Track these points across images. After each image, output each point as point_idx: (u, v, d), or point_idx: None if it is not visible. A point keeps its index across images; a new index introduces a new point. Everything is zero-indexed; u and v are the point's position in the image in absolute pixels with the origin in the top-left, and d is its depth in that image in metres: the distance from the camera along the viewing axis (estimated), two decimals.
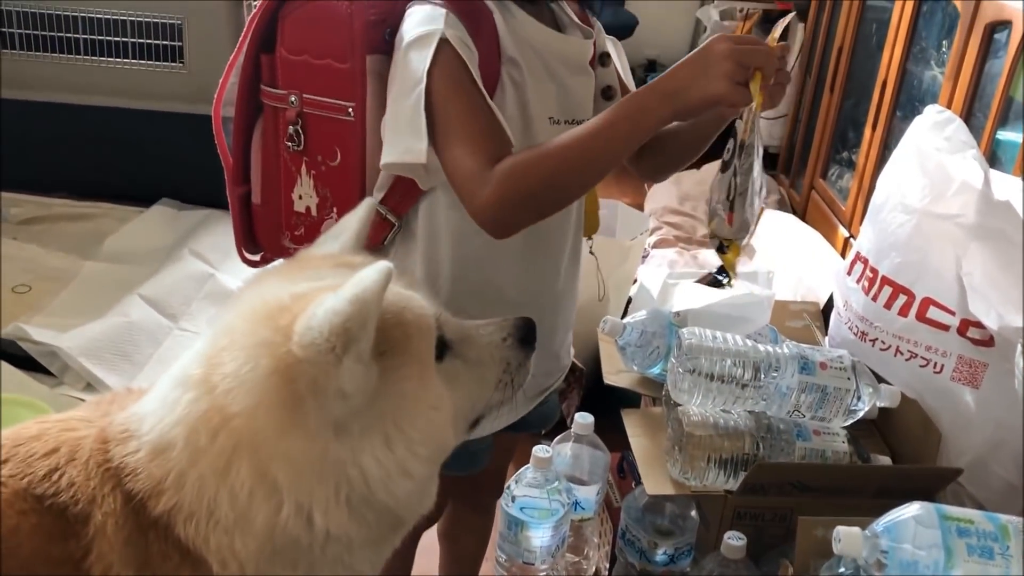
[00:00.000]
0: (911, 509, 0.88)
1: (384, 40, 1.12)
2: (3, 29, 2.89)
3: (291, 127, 1.16)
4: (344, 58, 1.11)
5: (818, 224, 2.86)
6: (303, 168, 1.18)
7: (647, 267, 2.48)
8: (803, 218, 3.02)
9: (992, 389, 1.20)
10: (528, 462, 1.13)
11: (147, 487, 0.78)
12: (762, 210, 1.10)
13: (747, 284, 1.41)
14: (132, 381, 2.17)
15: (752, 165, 1.05)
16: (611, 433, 1.28)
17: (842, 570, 0.93)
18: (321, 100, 1.14)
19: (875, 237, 1.33)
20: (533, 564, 1.12)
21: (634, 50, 3.83)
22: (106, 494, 0.77)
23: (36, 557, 0.75)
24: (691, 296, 1.39)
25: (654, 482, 1.15)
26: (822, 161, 3.04)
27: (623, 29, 3.82)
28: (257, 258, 1.29)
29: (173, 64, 2.91)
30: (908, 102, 2.47)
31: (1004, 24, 1.97)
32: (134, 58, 2.91)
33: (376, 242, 1.17)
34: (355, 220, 0.99)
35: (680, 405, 1.17)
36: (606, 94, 1.23)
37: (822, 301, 1.68)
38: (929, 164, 1.26)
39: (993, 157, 1.96)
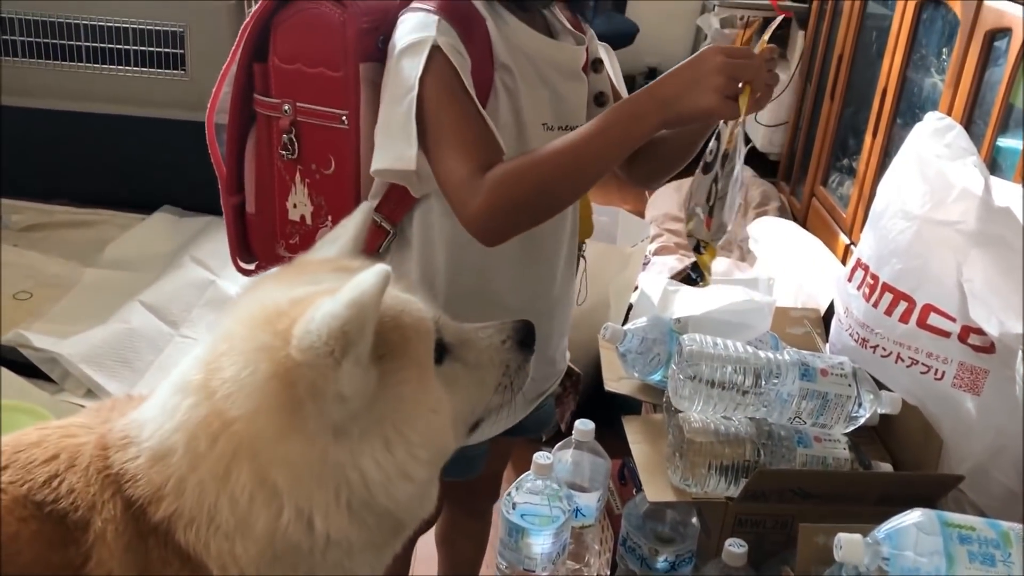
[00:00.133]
0: (912, 516, 0.88)
1: (377, 48, 1.12)
2: (5, 37, 2.89)
3: (285, 136, 1.16)
4: (337, 66, 1.11)
5: (819, 231, 2.86)
6: (297, 177, 1.18)
7: (648, 274, 2.48)
8: (804, 225, 3.02)
9: (993, 396, 1.20)
10: (525, 467, 1.13)
11: (147, 493, 0.78)
12: (740, 206, 1.11)
13: (748, 291, 1.41)
14: (133, 388, 2.16)
15: (734, 169, 1.06)
16: (612, 440, 1.27)
17: None
18: (315, 108, 1.14)
19: (876, 244, 1.33)
20: (534, 571, 1.12)
21: (635, 58, 3.84)
22: (106, 500, 0.77)
23: (36, 563, 0.75)
24: (692, 303, 1.39)
25: (655, 489, 1.15)
26: (822, 168, 3.04)
27: (624, 37, 3.83)
28: (252, 267, 1.29)
29: (175, 71, 2.92)
30: (908, 109, 2.47)
31: (1004, 31, 1.97)
32: (136, 65, 2.92)
33: (372, 249, 1.17)
34: (352, 224, 0.99)
35: (681, 412, 1.17)
36: (599, 100, 1.23)
37: (823, 308, 1.68)
38: (929, 171, 1.26)
39: (993, 164, 1.96)
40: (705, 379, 1.13)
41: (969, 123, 2.06)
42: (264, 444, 0.77)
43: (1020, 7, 1.90)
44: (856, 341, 1.34)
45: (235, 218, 1.26)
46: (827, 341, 1.47)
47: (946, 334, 1.22)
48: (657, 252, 2.77)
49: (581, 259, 1.37)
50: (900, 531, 0.88)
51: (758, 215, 3.08)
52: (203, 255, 2.72)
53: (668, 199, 3.07)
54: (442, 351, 0.91)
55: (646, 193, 3.32)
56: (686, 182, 1.16)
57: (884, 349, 1.29)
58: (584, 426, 1.22)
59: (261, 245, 1.27)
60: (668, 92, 0.99)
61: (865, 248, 1.36)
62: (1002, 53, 1.99)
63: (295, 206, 1.20)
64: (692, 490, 1.13)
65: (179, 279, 2.62)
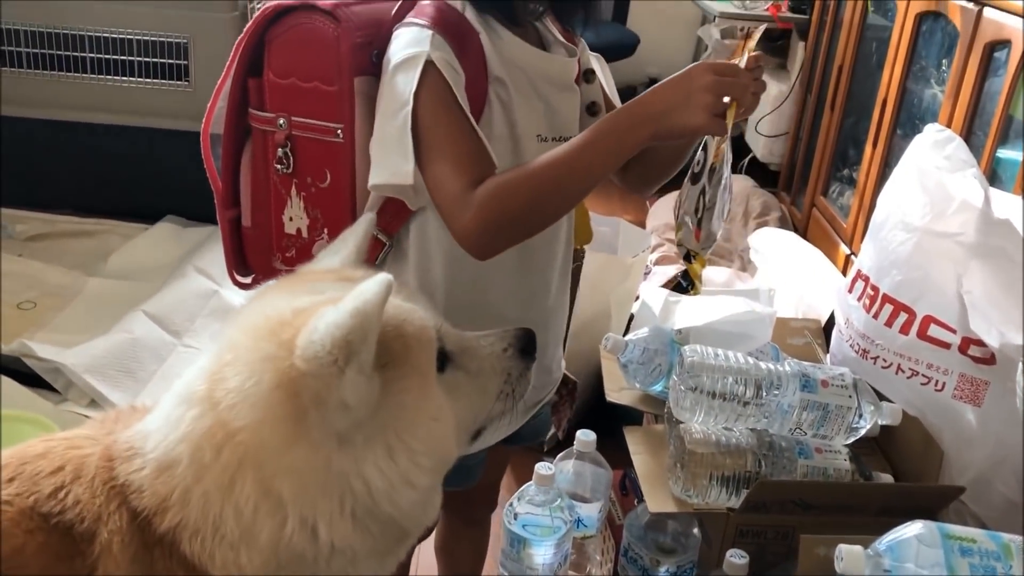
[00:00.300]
0: (913, 528, 0.88)
1: (371, 62, 1.13)
2: (11, 48, 2.91)
3: (280, 150, 1.17)
4: (332, 80, 1.12)
5: (819, 241, 2.86)
6: (293, 190, 1.19)
7: (649, 284, 2.49)
8: (804, 235, 3.03)
9: (994, 407, 1.20)
10: (526, 477, 1.13)
11: (152, 504, 0.78)
12: (728, 212, 1.12)
13: (749, 302, 1.42)
14: (136, 397, 2.17)
15: (721, 180, 1.07)
16: (613, 450, 1.28)
17: None
18: (310, 122, 1.15)
19: (876, 255, 1.33)
20: None
21: (636, 68, 3.86)
22: (112, 512, 0.77)
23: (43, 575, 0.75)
24: (693, 313, 1.40)
25: (656, 500, 1.15)
26: (823, 179, 3.05)
27: (625, 48, 3.85)
28: (248, 281, 1.30)
29: (179, 82, 2.93)
30: (908, 120, 2.48)
31: (1003, 43, 1.98)
32: (140, 77, 2.93)
33: (369, 261, 1.18)
34: (355, 235, 1.00)
35: (682, 423, 1.17)
36: (591, 110, 1.24)
37: (823, 318, 1.69)
38: (929, 182, 1.26)
39: (993, 175, 1.97)
40: (706, 390, 1.13)
41: (969, 134, 2.07)
42: (268, 454, 0.78)
43: (1020, 19, 1.91)
44: (856, 352, 1.35)
45: (231, 232, 1.27)
46: (828, 352, 1.48)
47: (946, 345, 1.22)
48: (658, 262, 2.77)
49: (579, 266, 1.37)
50: (901, 543, 0.88)
51: (759, 225, 3.09)
52: (206, 265, 2.73)
53: (669, 209, 3.05)
54: (444, 359, 0.91)
55: (647, 203, 3.33)
56: None
57: (885, 360, 1.29)
58: (586, 436, 1.22)
59: (257, 259, 1.27)
60: (658, 107, 1.01)
61: (865, 259, 1.37)
62: (1002, 64, 2.00)
63: (291, 219, 1.21)
64: (693, 501, 1.13)
65: (182, 289, 2.63)
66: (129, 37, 2.88)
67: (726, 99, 1.00)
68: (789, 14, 3.54)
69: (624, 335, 1.35)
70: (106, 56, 2.91)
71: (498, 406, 0.98)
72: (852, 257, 2.60)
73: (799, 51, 3.48)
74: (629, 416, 1.40)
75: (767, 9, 3.59)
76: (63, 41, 2.90)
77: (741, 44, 1.06)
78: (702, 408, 1.14)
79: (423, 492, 0.85)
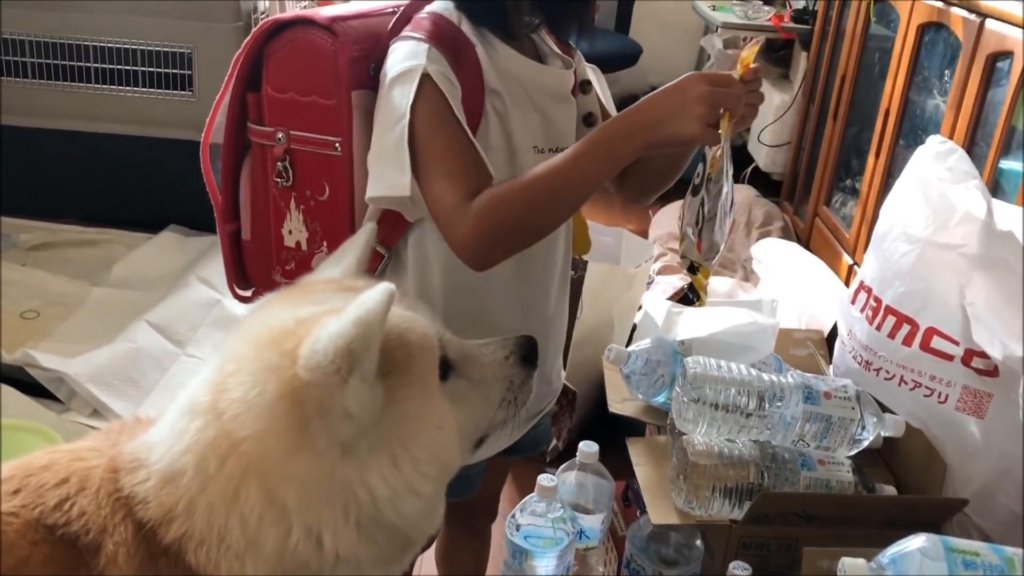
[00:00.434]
0: (917, 541, 0.88)
1: (369, 75, 1.13)
2: (17, 58, 2.92)
3: (279, 163, 1.17)
4: (330, 94, 1.13)
5: (822, 251, 2.87)
6: (292, 203, 1.20)
7: (652, 293, 2.49)
8: (807, 245, 3.03)
9: (997, 419, 1.20)
10: (528, 487, 1.13)
11: (158, 515, 0.78)
12: (733, 224, 1.12)
13: (751, 313, 1.42)
14: (139, 407, 2.17)
15: (721, 190, 1.07)
16: (616, 460, 1.28)
17: None
18: (308, 136, 1.15)
19: (879, 266, 1.34)
20: None
21: (639, 78, 3.87)
22: (117, 523, 0.77)
23: None
24: (696, 324, 1.40)
25: (659, 511, 1.15)
26: (826, 188, 3.05)
27: (627, 57, 3.86)
28: (248, 294, 1.30)
29: (182, 92, 2.94)
30: (911, 130, 2.49)
31: (1006, 54, 1.99)
32: (144, 86, 2.94)
33: (368, 273, 1.18)
34: (356, 245, 1.00)
35: (685, 434, 1.17)
36: (587, 120, 1.25)
37: (826, 329, 1.69)
38: (932, 194, 1.27)
39: (996, 186, 1.97)
40: (709, 402, 1.13)
41: (971, 145, 2.07)
42: (273, 463, 0.78)
43: (1021, 31, 1.91)
44: (859, 363, 1.35)
45: (231, 245, 1.27)
46: (831, 362, 1.48)
47: (949, 357, 1.22)
48: (661, 271, 2.77)
49: (582, 276, 1.38)
50: (904, 556, 0.88)
51: (761, 235, 3.09)
52: (209, 275, 2.73)
53: (671, 219, 3.08)
54: (446, 368, 0.91)
55: (649, 212, 3.34)
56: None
57: (887, 372, 1.30)
58: (588, 447, 1.22)
59: (257, 272, 1.28)
60: (651, 117, 1.01)
61: (868, 270, 1.37)
62: (1004, 74, 2.00)
63: (290, 232, 1.21)
64: (696, 512, 1.13)
65: (185, 298, 2.63)
66: (133, 47, 2.89)
67: (720, 110, 1.00)
68: (792, 24, 3.55)
69: (627, 346, 1.35)
70: (110, 66, 2.92)
71: (500, 414, 0.98)
72: (855, 267, 2.60)
73: (802, 61, 3.49)
74: (632, 427, 1.40)
75: (770, 19, 3.60)
76: (68, 51, 2.91)
77: (737, 56, 1.06)
78: (705, 419, 1.14)
79: (427, 500, 0.85)
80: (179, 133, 2.91)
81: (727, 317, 1.38)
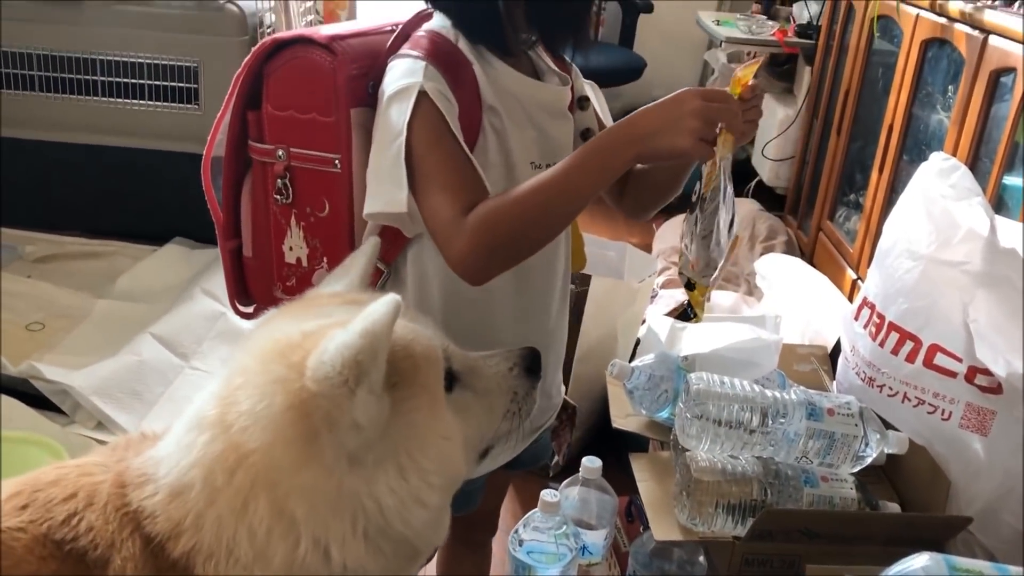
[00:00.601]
0: (920, 560, 0.88)
1: (368, 93, 1.14)
2: (25, 71, 2.94)
3: (279, 180, 1.18)
4: (329, 112, 1.14)
5: (826, 265, 2.87)
6: (292, 220, 1.21)
7: (655, 307, 2.49)
8: (811, 259, 3.04)
9: (1001, 437, 1.20)
10: (528, 502, 1.13)
11: (166, 529, 0.78)
12: (737, 241, 1.12)
13: (755, 329, 1.42)
14: (143, 420, 2.17)
15: (717, 208, 1.07)
16: (619, 476, 1.28)
17: None
18: (308, 153, 1.16)
19: (882, 283, 1.34)
20: None
21: (642, 91, 3.88)
22: (125, 538, 0.78)
23: None
24: (699, 340, 1.40)
25: (662, 528, 1.15)
26: (829, 203, 3.05)
27: (632, 71, 3.88)
28: (250, 310, 1.31)
29: (188, 106, 2.95)
30: (915, 146, 2.49)
31: (1009, 70, 1.99)
32: (150, 100, 2.96)
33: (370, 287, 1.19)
34: (360, 259, 1.01)
35: (688, 450, 1.17)
36: (585, 136, 1.26)
37: (830, 344, 1.69)
38: (935, 211, 1.27)
39: (999, 202, 1.98)
40: (712, 418, 1.13)
41: (975, 161, 2.07)
42: (281, 475, 0.78)
43: None
44: (863, 380, 1.35)
45: (232, 262, 1.28)
46: (834, 378, 1.48)
47: (952, 374, 1.22)
48: (664, 285, 2.78)
49: (585, 291, 1.38)
50: (908, 575, 0.88)
51: (765, 249, 3.10)
52: (213, 287, 2.74)
53: (675, 232, 3.08)
54: (451, 379, 0.92)
55: (653, 226, 3.34)
56: None
57: (891, 388, 1.30)
58: (591, 463, 1.22)
59: (258, 288, 1.29)
60: (645, 129, 1.01)
61: (871, 287, 1.37)
62: (1008, 89, 2.01)
63: (291, 249, 1.22)
64: (699, 529, 1.13)
65: (189, 311, 2.64)
66: (140, 60, 2.92)
67: (716, 126, 1.01)
68: (795, 39, 3.56)
69: (630, 360, 1.35)
70: (117, 79, 2.94)
71: (505, 425, 0.98)
72: (858, 282, 2.60)
73: (805, 76, 3.50)
74: (635, 442, 1.40)
75: (774, 34, 3.61)
76: (75, 64, 2.93)
77: (736, 78, 1.06)
78: (708, 436, 1.14)
79: (434, 511, 0.85)
80: (184, 146, 2.93)
81: (730, 333, 1.39)
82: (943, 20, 2.31)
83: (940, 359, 1.24)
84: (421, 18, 1.18)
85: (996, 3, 2.11)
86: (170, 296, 2.74)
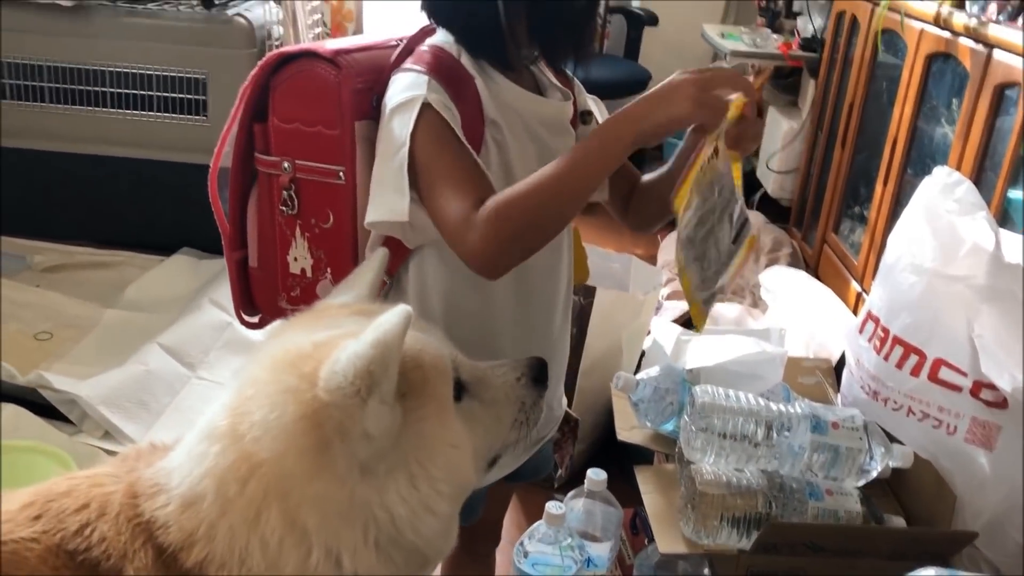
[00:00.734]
0: (925, 574, 0.88)
1: (372, 106, 1.16)
2: (34, 83, 2.97)
3: (285, 192, 1.19)
4: (334, 125, 1.15)
5: (830, 278, 2.87)
6: (297, 231, 1.22)
7: (660, 318, 2.50)
8: (816, 271, 3.04)
9: (1006, 451, 1.20)
10: (532, 515, 1.13)
11: (178, 540, 0.79)
12: (746, 256, 1.12)
13: (759, 342, 1.43)
14: (150, 430, 2.18)
15: (712, 231, 1.07)
16: (624, 488, 1.28)
17: None
18: (313, 165, 1.17)
19: (886, 296, 1.34)
20: None
21: None
22: (137, 549, 0.78)
23: None
24: (704, 353, 1.41)
25: (667, 540, 1.15)
26: (834, 215, 3.06)
27: (637, 84, 3.89)
28: (256, 320, 1.32)
29: (196, 117, 2.98)
30: (919, 159, 2.50)
31: (1013, 85, 2.00)
32: (159, 111, 2.98)
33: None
34: (369, 270, 1.02)
35: (693, 463, 1.17)
36: None
37: (834, 357, 1.70)
38: (939, 225, 1.28)
39: (1004, 216, 1.98)
40: (717, 431, 1.14)
41: (979, 174, 2.08)
42: (294, 485, 0.79)
43: None
44: (867, 393, 1.35)
45: (238, 272, 1.29)
46: (839, 391, 1.48)
47: (958, 388, 1.23)
48: (669, 297, 2.78)
49: (590, 303, 1.39)
50: None
51: (770, 261, 3.10)
52: (221, 297, 2.75)
53: None
54: (460, 389, 0.93)
55: (658, 237, 3.35)
56: None
57: (895, 402, 1.30)
58: (596, 475, 1.22)
59: (264, 298, 1.30)
60: (643, 108, 1.03)
61: (876, 300, 1.38)
62: (1012, 103, 2.01)
63: (295, 259, 1.23)
64: (704, 542, 1.14)
65: (197, 321, 2.65)
66: (148, 72, 2.94)
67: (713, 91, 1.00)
68: (800, 52, 3.57)
69: (635, 373, 1.36)
70: (126, 91, 2.96)
71: (513, 434, 0.99)
72: (863, 295, 2.60)
73: (810, 89, 3.51)
74: (640, 455, 1.41)
75: (778, 47, 3.62)
76: (84, 76, 2.96)
77: (732, 104, 1.05)
78: (713, 449, 1.15)
79: (444, 519, 0.86)
80: (192, 157, 2.94)
81: (735, 346, 1.39)
82: (947, 34, 2.32)
83: (945, 373, 1.24)
84: (425, 33, 1.20)
85: (1000, 18, 2.11)
86: (177, 306, 2.76)
